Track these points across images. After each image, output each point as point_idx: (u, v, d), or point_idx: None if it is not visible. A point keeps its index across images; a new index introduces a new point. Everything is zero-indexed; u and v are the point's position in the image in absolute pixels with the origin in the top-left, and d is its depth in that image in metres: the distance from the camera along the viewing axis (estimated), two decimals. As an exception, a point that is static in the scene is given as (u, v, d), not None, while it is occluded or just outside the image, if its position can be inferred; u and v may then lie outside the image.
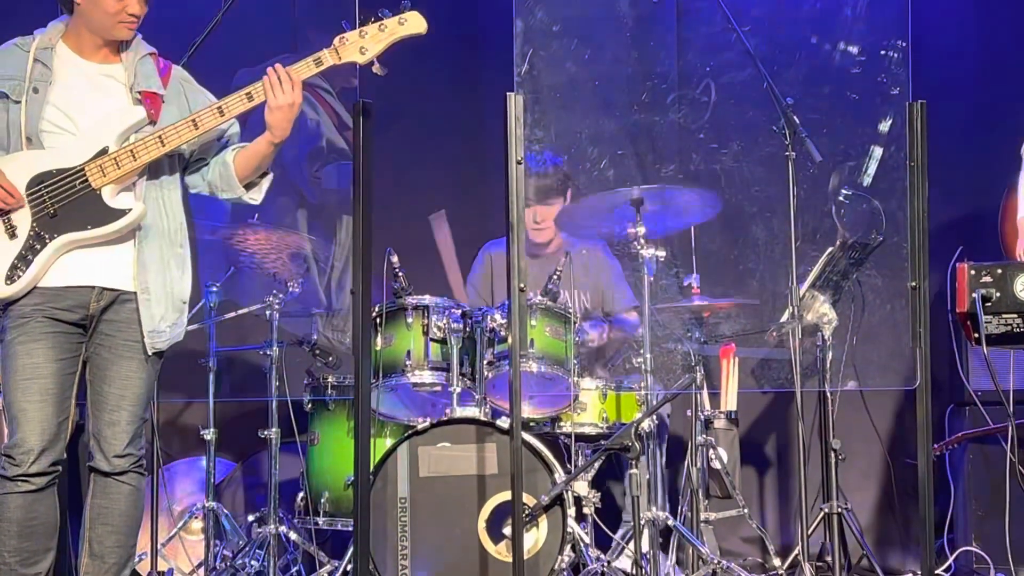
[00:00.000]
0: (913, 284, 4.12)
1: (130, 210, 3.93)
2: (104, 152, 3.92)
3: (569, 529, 4.61)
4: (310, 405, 5.32)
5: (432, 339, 4.97)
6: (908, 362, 4.24)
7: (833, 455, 5.01)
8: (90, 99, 4.00)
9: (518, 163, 4.10)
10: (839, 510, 4.94)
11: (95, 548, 4.00)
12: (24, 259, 3.89)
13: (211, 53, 4.77)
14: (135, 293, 3.97)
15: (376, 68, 4.01)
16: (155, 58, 4.11)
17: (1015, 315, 5.22)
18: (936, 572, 5.32)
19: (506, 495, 4.51)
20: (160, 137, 3.93)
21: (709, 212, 5.15)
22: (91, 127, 3.95)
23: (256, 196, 4.20)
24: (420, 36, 4.01)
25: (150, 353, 3.99)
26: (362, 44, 3.99)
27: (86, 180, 3.91)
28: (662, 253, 4.88)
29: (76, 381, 3.98)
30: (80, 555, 4.04)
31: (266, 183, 4.21)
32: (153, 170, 4.03)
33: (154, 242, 4.01)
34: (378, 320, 4.96)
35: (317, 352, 5.44)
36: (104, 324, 3.97)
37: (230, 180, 4.12)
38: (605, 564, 4.71)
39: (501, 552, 4.59)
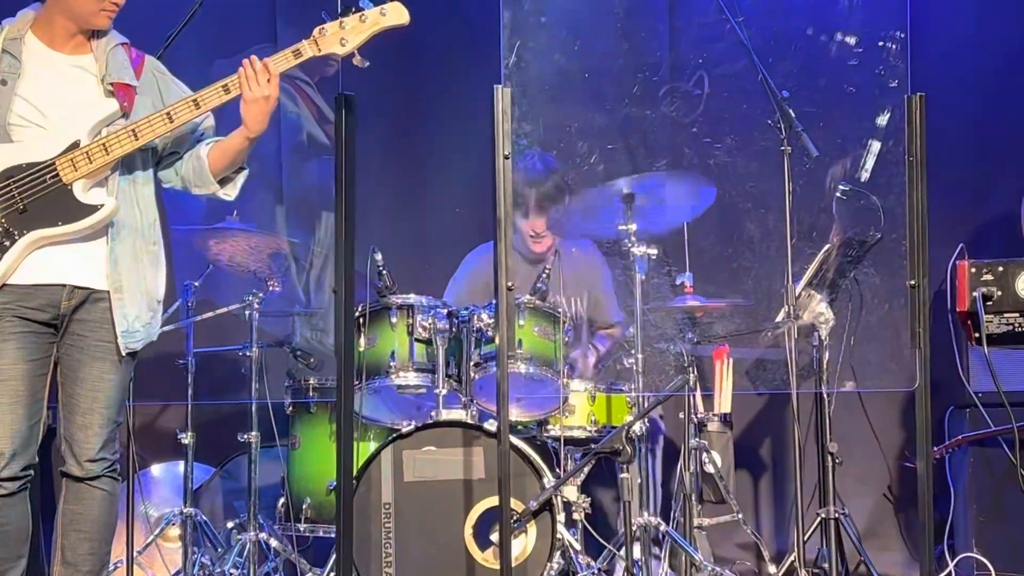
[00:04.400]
0: (912, 282, 4.13)
1: (102, 206, 3.93)
2: (75, 146, 3.91)
3: (558, 535, 4.62)
4: (291, 408, 5.32)
5: (417, 340, 4.97)
6: (907, 363, 4.25)
7: (830, 459, 5.01)
8: (61, 91, 3.98)
9: (505, 158, 4.11)
10: (836, 515, 4.95)
11: (68, 556, 3.99)
12: None
13: (188, 42, 4.77)
14: (108, 292, 3.97)
15: (357, 60, 4.01)
16: (127, 48, 4.10)
17: (1017, 314, 5.25)
18: (936, 579, 5.36)
19: (493, 500, 4.52)
20: (133, 131, 3.92)
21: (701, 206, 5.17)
22: (62, 120, 3.94)
23: (230, 192, 4.20)
24: (402, 27, 4.01)
25: (124, 354, 3.98)
26: (342, 36, 3.99)
27: (57, 175, 3.89)
28: (654, 251, 4.88)
29: (47, 383, 3.97)
30: (52, 563, 4.02)
31: (241, 179, 4.21)
32: (126, 165, 4.03)
33: (127, 239, 4.00)
34: (361, 320, 4.97)
35: (298, 353, 5.44)
36: (75, 324, 3.96)
37: (203, 175, 4.11)
38: (596, 571, 4.73)
39: (488, 559, 4.60)
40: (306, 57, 4.01)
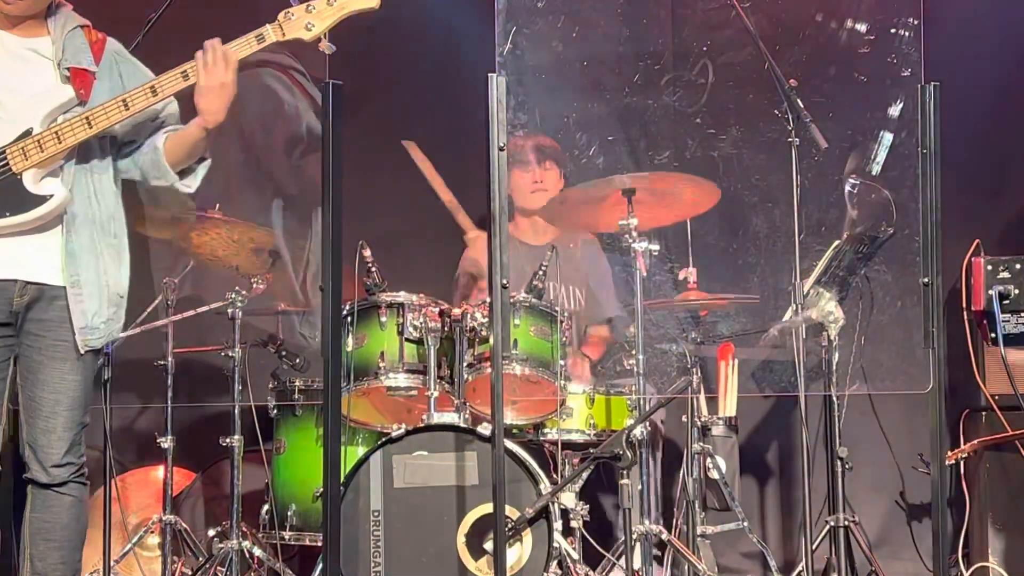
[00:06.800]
0: (925, 280, 4.12)
1: (52, 196, 3.92)
2: (28, 134, 3.91)
3: (555, 544, 4.60)
4: (276, 411, 5.31)
5: (408, 339, 4.96)
6: (920, 364, 4.24)
7: (839, 464, 5.02)
8: (13, 76, 3.98)
9: (500, 150, 4.10)
10: (846, 523, 4.95)
11: (37, 566, 3.99)
12: None
13: (169, 30, 4.76)
14: (64, 288, 3.96)
15: (323, 46, 4.00)
16: (88, 31, 4.08)
17: (1035, 313, 5.25)
18: (950, 589, 5.35)
19: (487, 507, 4.49)
20: (87, 118, 3.91)
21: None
22: (14, 107, 3.93)
23: (191, 183, 4.20)
24: (372, 12, 3.99)
25: (83, 352, 3.96)
26: (308, 19, 3.98)
27: (7, 164, 3.89)
28: (656, 247, 4.88)
29: (7, 385, 3.97)
30: (21, 573, 4.02)
31: (202, 170, 4.20)
32: (82, 154, 4.01)
33: (84, 231, 3.98)
34: (349, 319, 4.96)
35: (284, 354, 5.43)
36: (32, 323, 3.95)
37: (160, 166, 4.10)
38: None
39: (482, 568, 4.59)
40: (269, 42, 4.02)
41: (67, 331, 3.95)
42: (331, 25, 3.99)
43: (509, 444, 4.58)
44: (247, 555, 5.12)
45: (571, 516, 4.83)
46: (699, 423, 5.13)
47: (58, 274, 3.96)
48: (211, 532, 5.28)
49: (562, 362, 4.97)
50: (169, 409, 5.24)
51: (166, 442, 5.22)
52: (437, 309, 5.00)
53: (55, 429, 3.94)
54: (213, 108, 3.99)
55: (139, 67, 4.15)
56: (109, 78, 4.06)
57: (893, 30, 5.24)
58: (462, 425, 4.76)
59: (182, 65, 3.98)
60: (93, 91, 4.00)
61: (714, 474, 5.09)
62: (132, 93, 3.95)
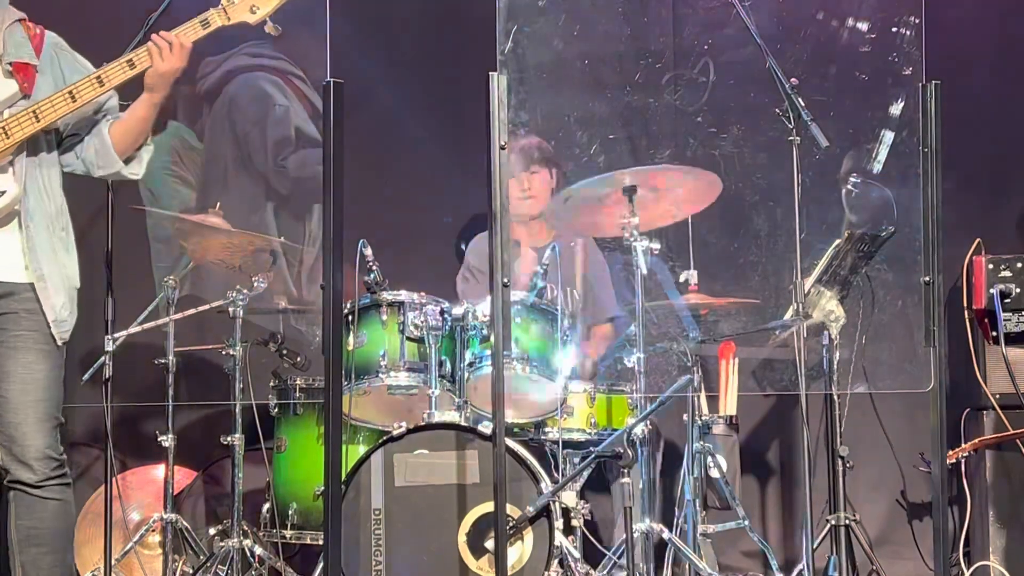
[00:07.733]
0: (927, 279, 4.12)
1: (3, 193, 3.92)
2: None
3: (556, 543, 4.60)
4: (276, 409, 5.31)
5: (409, 338, 4.96)
6: (921, 363, 4.25)
7: (840, 463, 5.02)
8: None
9: (501, 148, 4.10)
10: (847, 522, 4.95)
11: (30, 571, 4.00)
12: None
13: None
14: (28, 283, 3.96)
15: (269, 28, 4.02)
16: (26, 24, 4.07)
17: (1036, 312, 5.26)
18: (951, 588, 5.35)
19: (488, 506, 4.50)
20: (35, 112, 3.91)
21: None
22: None
23: (136, 169, 4.20)
24: None
25: (59, 344, 3.98)
26: (252, 3, 3.99)
27: None
28: (657, 246, 4.87)
29: None
30: None
31: (146, 154, 4.20)
32: (31, 148, 4.01)
33: (41, 226, 4.00)
34: (350, 317, 4.96)
35: (284, 352, 5.42)
36: None
37: (107, 154, 4.10)
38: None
39: (483, 567, 4.58)
40: (214, 27, 4.04)
41: (32, 323, 3.95)
42: (275, 8, 4.01)
43: (510, 443, 4.57)
44: (248, 553, 5.11)
45: (572, 515, 4.82)
46: (700, 422, 5.12)
47: (20, 271, 3.97)
48: (212, 531, 5.28)
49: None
50: (170, 408, 5.23)
51: (167, 441, 5.20)
52: (438, 308, 5.00)
53: (26, 420, 3.92)
54: (164, 87, 4.04)
55: (79, 59, 4.14)
56: (51, 71, 4.05)
57: (894, 29, 5.24)
58: (463, 424, 4.76)
59: (127, 55, 3.97)
60: (36, 85, 3.99)
61: (715, 473, 5.09)
62: (78, 85, 3.94)
